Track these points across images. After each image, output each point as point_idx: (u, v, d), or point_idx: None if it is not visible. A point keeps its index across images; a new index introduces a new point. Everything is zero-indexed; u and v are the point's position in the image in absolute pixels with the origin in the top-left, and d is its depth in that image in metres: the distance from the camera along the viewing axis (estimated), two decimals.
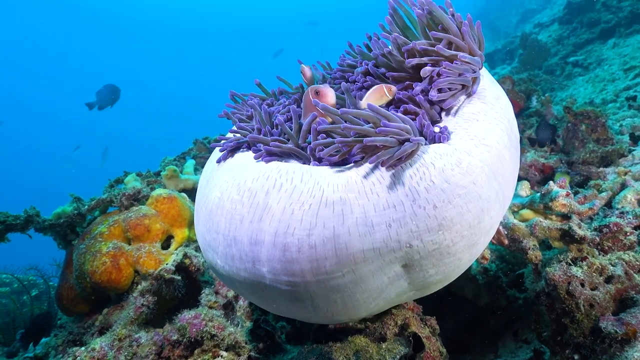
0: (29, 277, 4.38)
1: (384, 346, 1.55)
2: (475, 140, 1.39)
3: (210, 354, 1.95)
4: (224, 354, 1.95)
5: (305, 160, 1.45)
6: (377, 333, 1.61)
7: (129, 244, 2.40)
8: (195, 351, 1.97)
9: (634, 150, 3.04)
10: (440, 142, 1.38)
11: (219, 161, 1.63)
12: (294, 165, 1.39)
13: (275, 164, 1.42)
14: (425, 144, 1.37)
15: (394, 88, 1.53)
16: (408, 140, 1.27)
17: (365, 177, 1.30)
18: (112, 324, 2.28)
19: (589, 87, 6.13)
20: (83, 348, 1.96)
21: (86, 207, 2.75)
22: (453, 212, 1.30)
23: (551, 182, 2.10)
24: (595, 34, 7.60)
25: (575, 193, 2.53)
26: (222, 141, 1.71)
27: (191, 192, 3.00)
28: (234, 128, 1.79)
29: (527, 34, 8.26)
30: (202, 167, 3.74)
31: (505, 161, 1.45)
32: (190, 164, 3.24)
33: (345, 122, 1.36)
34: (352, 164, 1.36)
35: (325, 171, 1.35)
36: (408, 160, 1.28)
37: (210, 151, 4.16)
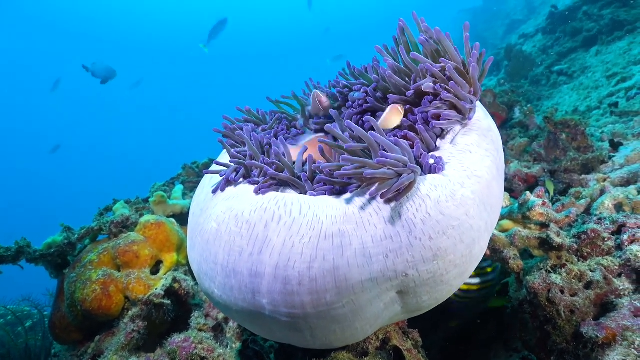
0: (23, 308, 4.39)
1: None
2: (468, 172, 1.42)
3: None
4: None
5: (302, 190, 1.47)
6: (359, 348, 1.64)
7: (119, 271, 2.42)
8: None
9: (613, 156, 3.09)
10: (435, 172, 1.42)
11: (214, 191, 1.63)
12: (291, 196, 1.41)
13: (273, 195, 1.43)
14: (422, 174, 1.40)
15: (401, 108, 1.57)
16: (406, 172, 1.30)
17: (362, 208, 1.32)
18: (104, 351, 2.30)
19: (574, 95, 6.22)
20: None
21: (76, 236, 2.78)
22: (447, 243, 1.33)
23: (527, 192, 2.14)
24: (578, 43, 7.72)
25: (557, 201, 2.57)
26: (213, 167, 1.73)
27: (179, 217, 3.03)
28: (224, 152, 1.82)
29: (511, 45, 8.38)
30: (191, 191, 3.78)
31: (493, 191, 1.49)
32: (178, 189, 3.29)
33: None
34: (350, 194, 1.38)
35: (323, 202, 1.37)
36: (407, 193, 1.31)
37: (199, 176, 4.23)
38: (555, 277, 1.93)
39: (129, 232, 2.60)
